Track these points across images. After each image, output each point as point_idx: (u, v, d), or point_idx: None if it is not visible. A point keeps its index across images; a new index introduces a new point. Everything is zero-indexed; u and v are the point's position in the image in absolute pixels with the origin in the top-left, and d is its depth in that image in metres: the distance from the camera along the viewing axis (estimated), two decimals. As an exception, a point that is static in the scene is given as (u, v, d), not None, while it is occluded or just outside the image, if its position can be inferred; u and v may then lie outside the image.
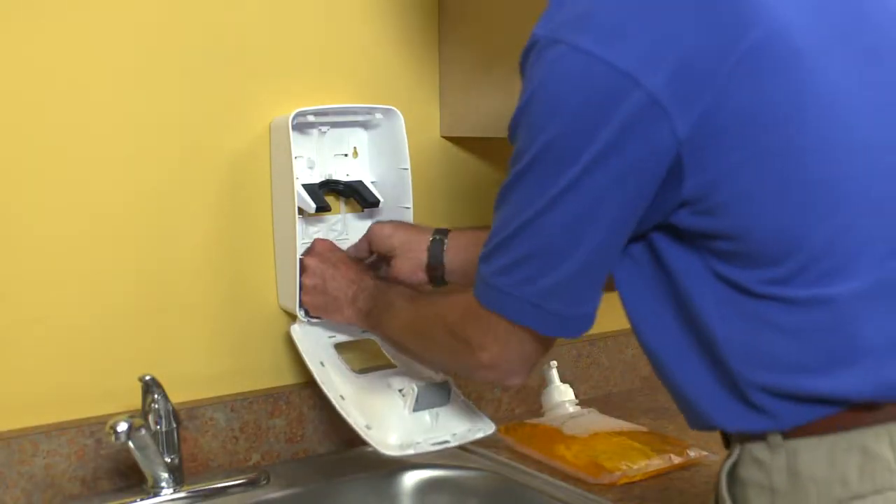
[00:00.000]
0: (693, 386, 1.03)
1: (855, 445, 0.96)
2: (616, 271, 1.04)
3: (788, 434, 0.98)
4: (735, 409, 1.00)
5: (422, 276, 1.37)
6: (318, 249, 1.41)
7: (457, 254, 1.35)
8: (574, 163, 0.95)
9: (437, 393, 1.36)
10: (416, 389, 1.34)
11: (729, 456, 1.04)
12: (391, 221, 1.44)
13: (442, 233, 1.38)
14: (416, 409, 1.34)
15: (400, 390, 1.36)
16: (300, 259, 1.40)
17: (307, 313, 1.42)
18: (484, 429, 1.39)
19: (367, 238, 1.43)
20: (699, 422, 1.06)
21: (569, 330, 1.04)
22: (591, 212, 0.97)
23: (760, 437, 1.00)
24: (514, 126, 1.01)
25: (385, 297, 1.31)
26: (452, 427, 1.37)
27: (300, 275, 1.40)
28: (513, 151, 1.01)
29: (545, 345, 1.09)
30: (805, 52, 0.94)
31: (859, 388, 0.95)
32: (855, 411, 0.96)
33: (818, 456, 0.97)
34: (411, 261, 1.37)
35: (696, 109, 0.92)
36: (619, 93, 0.92)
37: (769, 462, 0.99)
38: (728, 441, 1.07)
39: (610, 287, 1.09)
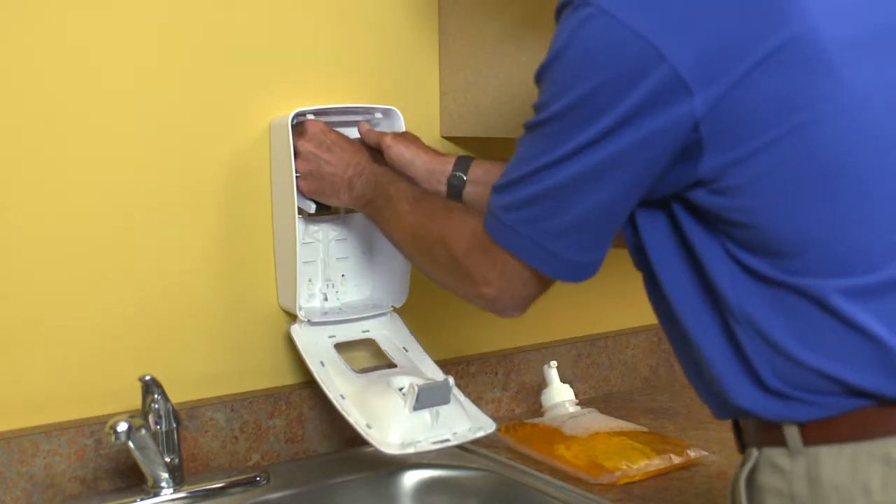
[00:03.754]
0: (714, 359, 1.02)
1: (878, 454, 0.95)
2: (645, 238, 1.06)
3: (809, 439, 0.97)
4: (752, 390, 1.00)
5: (439, 192, 1.39)
6: (311, 132, 1.40)
7: (475, 188, 1.36)
8: (592, 125, 0.97)
9: (438, 392, 1.36)
10: (416, 388, 1.34)
11: (745, 461, 1.03)
12: (410, 143, 1.42)
13: (462, 166, 1.38)
14: (416, 408, 1.34)
15: (400, 389, 1.36)
16: (293, 140, 1.39)
17: (303, 196, 1.42)
18: (484, 427, 1.39)
19: (385, 157, 1.41)
20: (714, 397, 1.05)
21: (571, 274, 1.07)
22: (601, 172, 0.99)
23: (780, 441, 0.99)
24: (541, 74, 1.03)
25: (385, 190, 1.30)
26: (453, 426, 1.37)
27: (294, 159, 1.39)
28: (538, 94, 1.04)
29: (545, 285, 1.11)
30: (837, 48, 0.94)
31: (869, 379, 0.95)
32: (873, 415, 0.95)
33: (840, 464, 0.96)
34: (428, 185, 1.39)
35: (717, 90, 0.93)
36: (645, 65, 0.94)
37: (789, 469, 0.98)
38: (743, 445, 1.06)
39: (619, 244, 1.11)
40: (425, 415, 1.35)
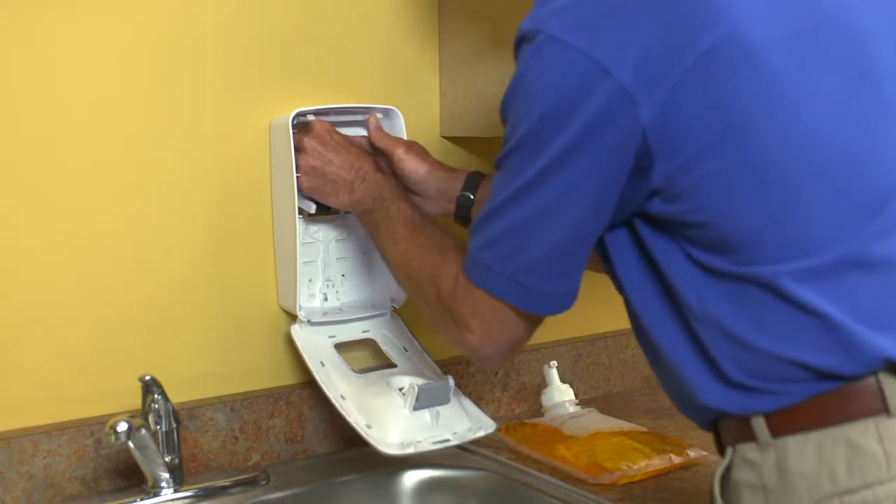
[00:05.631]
0: (680, 363, 1.05)
1: (841, 439, 0.97)
2: (612, 257, 1.08)
3: (776, 430, 1.00)
4: (716, 386, 1.02)
5: (448, 210, 1.40)
6: (318, 131, 1.40)
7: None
8: (549, 148, 1.00)
9: (438, 392, 1.36)
10: (416, 388, 1.34)
11: (723, 461, 1.05)
12: (422, 159, 1.42)
13: (472, 185, 1.38)
14: (416, 408, 1.34)
15: (400, 389, 1.36)
16: (296, 137, 1.39)
17: (303, 196, 1.42)
18: (484, 427, 1.39)
19: (397, 169, 1.41)
20: (687, 403, 1.08)
21: (548, 307, 1.09)
22: (565, 196, 1.02)
23: (751, 436, 1.01)
24: (504, 110, 1.06)
25: (385, 206, 1.31)
26: (453, 426, 1.37)
27: (295, 155, 1.39)
28: (504, 130, 1.06)
29: (530, 325, 1.12)
30: (764, 47, 0.97)
31: (826, 359, 0.98)
32: (834, 400, 0.98)
33: (806, 451, 0.98)
34: (439, 204, 1.40)
35: (658, 98, 0.96)
36: (592, 81, 0.97)
37: (760, 461, 1.01)
38: (722, 447, 1.08)
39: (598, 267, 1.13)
40: (425, 415, 1.35)
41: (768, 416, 1.00)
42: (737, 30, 0.96)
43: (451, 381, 1.38)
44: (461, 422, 1.38)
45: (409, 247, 1.26)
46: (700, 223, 1.00)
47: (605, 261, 1.10)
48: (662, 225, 1.02)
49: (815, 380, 0.98)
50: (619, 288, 1.10)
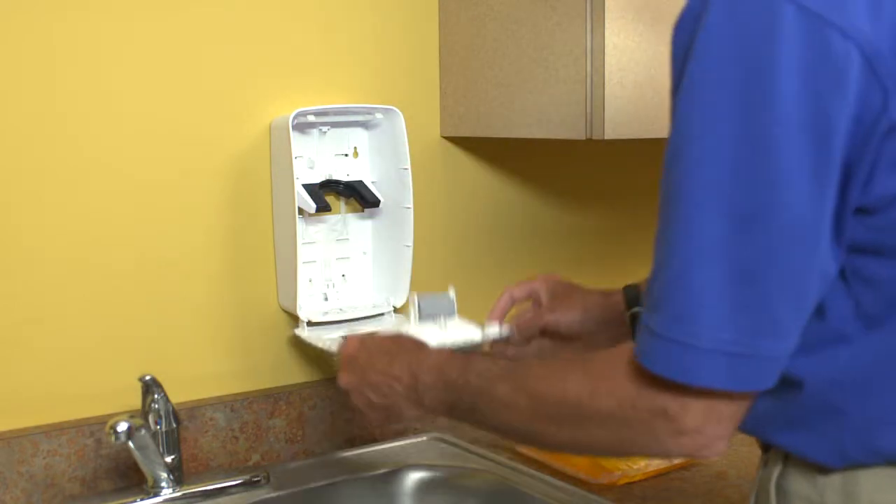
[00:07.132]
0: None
1: None
2: None
3: None
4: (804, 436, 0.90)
5: (621, 334, 1.20)
6: (350, 361, 1.17)
7: None
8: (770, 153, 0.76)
9: (440, 301, 1.33)
10: (416, 298, 1.31)
11: (771, 463, 0.96)
12: (567, 306, 1.26)
13: (632, 297, 1.20)
14: (422, 319, 1.32)
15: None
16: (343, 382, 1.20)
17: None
18: (499, 332, 1.31)
19: (552, 329, 1.26)
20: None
21: (768, 376, 0.82)
22: (797, 211, 0.78)
23: None
24: (678, 85, 0.78)
25: (463, 389, 1.02)
26: (465, 334, 1.33)
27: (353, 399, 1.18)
28: (673, 115, 0.80)
29: (747, 402, 0.86)
30: None
31: None
32: None
33: (881, 479, 0.88)
34: (607, 335, 1.22)
35: None
36: (842, 63, 0.73)
37: (822, 478, 0.90)
38: (767, 445, 0.98)
39: None
40: (433, 325, 1.33)
41: None
42: None
43: (453, 292, 1.36)
44: (473, 331, 1.33)
45: (524, 396, 0.96)
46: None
47: None
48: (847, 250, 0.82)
49: None
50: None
